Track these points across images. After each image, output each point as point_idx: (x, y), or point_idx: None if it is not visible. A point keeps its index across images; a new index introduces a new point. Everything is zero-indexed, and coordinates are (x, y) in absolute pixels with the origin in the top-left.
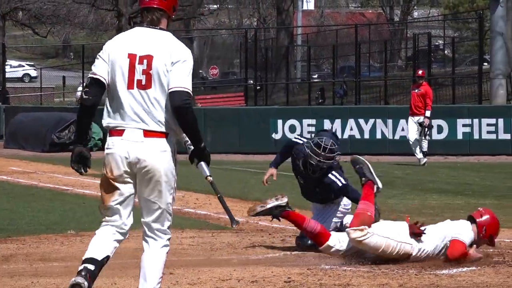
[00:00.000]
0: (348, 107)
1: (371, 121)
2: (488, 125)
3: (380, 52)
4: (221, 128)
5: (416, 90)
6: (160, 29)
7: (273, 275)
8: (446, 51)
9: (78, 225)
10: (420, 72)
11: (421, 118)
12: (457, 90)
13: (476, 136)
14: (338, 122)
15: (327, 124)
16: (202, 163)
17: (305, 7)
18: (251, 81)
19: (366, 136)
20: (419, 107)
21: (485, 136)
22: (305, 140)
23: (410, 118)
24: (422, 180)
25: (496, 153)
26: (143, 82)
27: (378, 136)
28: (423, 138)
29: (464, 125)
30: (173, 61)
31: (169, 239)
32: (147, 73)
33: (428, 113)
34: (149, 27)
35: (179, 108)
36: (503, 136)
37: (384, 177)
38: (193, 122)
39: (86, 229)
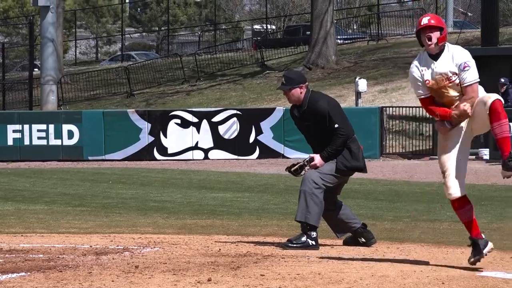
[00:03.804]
0: None
1: None
2: (39, 130)
3: None
4: None
5: None
6: None
7: None
8: None
9: None
10: None
11: None
12: (8, 96)
13: (27, 142)
14: None
15: None
16: None
17: None
18: None
19: None
20: None
21: (36, 142)
22: None
23: None
24: None
25: (47, 159)
26: None
27: None
28: None
29: (14, 131)
30: None
31: None
32: None
33: None
34: None
35: None
36: (54, 142)
37: None
38: None
39: None
